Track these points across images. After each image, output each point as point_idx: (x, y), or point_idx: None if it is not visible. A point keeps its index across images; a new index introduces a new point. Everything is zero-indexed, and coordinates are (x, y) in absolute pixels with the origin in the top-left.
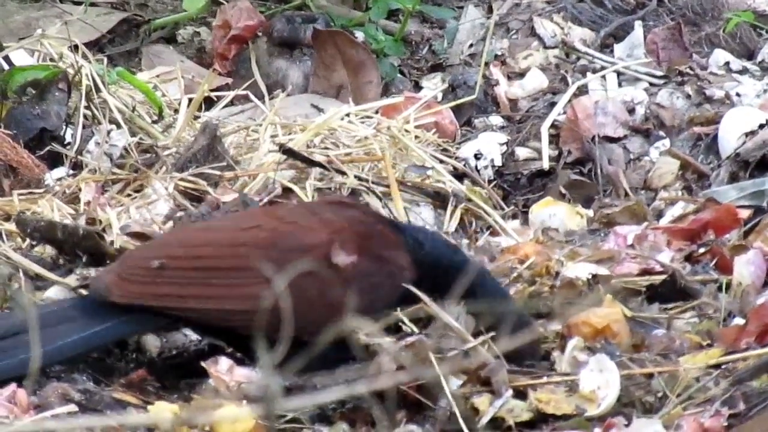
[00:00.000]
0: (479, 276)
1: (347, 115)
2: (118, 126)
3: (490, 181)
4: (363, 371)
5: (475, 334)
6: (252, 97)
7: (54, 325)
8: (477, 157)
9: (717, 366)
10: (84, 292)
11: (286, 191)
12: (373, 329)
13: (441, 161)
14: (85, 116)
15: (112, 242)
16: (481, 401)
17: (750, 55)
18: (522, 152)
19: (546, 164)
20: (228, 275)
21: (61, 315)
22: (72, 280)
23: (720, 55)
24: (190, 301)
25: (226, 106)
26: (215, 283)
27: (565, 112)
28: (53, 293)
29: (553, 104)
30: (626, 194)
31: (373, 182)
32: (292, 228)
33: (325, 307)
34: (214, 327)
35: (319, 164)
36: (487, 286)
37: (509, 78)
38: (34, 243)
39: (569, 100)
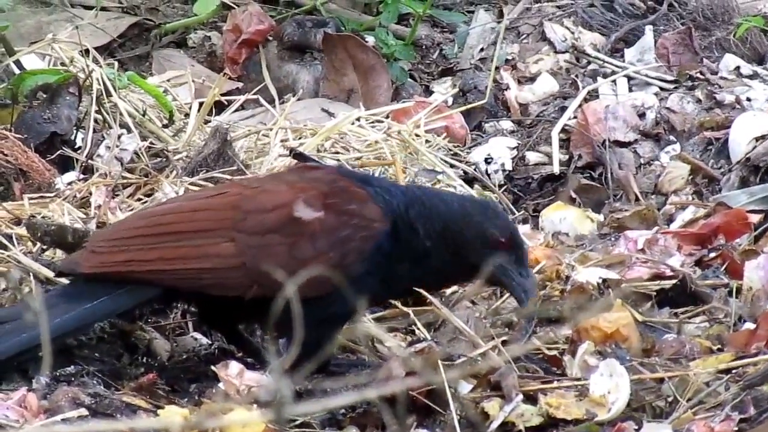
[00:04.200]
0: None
1: (358, 119)
2: (129, 130)
3: (500, 186)
4: (373, 376)
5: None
6: (262, 101)
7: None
8: (487, 161)
9: (727, 371)
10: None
11: None
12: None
13: (451, 165)
14: (95, 120)
15: None
16: (492, 406)
17: (760, 60)
18: (532, 156)
19: (556, 168)
20: (192, 237)
21: (46, 302)
22: None
23: (730, 60)
24: (155, 263)
25: (236, 110)
26: (181, 246)
27: (575, 117)
28: None
29: (563, 109)
30: (637, 199)
31: None
32: (256, 191)
33: (295, 263)
34: (187, 290)
35: None
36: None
37: (520, 82)
38: (44, 247)
39: (580, 105)
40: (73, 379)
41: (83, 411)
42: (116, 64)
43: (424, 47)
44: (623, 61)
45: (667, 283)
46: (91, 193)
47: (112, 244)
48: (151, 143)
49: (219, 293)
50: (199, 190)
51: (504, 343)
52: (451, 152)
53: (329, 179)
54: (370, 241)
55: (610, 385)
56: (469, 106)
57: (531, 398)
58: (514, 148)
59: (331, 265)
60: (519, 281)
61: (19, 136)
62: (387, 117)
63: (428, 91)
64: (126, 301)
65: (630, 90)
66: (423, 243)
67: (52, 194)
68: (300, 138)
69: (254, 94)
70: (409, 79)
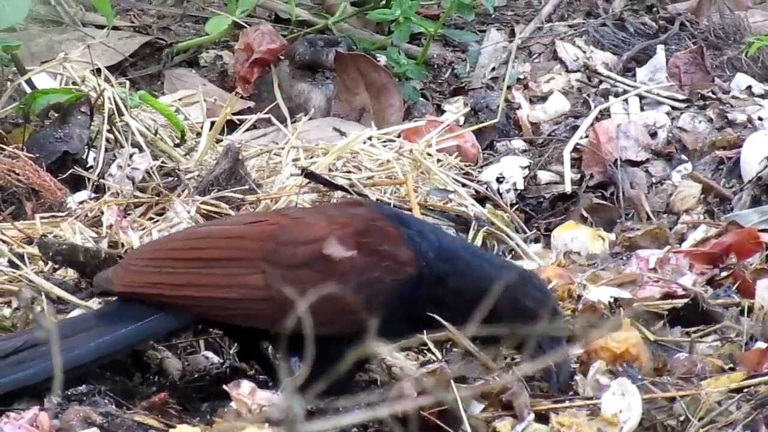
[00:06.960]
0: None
1: (369, 138)
2: (141, 149)
3: (512, 205)
4: (385, 395)
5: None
6: (274, 120)
7: (71, 335)
8: (499, 180)
9: (739, 390)
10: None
11: None
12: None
13: (463, 185)
14: (107, 139)
15: None
16: (503, 425)
17: None
18: (544, 176)
19: (568, 188)
20: (225, 265)
21: (79, 325)
22: (94, 303)
23: (742, 79)
24: (183, 289)
25: (248, 129)
26: (211, 273)
27: (587, 136)
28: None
29: (575, 128)
30: (648, 218)
31: (395, 205)
32: (294, 222)
33: (322, 300)
34: (214, 319)
35: (342, 188)
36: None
37: (531, 101)
38: (56, 266)
39: (591, 124)
40: (84, 398)
41: (95, 430)
42: (128, 83)
43: (435, 66)
44: (635, 81)
45: (679, 302)
46: (102, 213)
47: (145, 263)
48: (162, 162)
49: (246, 324)
50: (241, 214)
51: (516, 363)
52: (463, 171)
53: (368, 217)
54: (397, 284)
55: (622, 405)
56: (481, 125)
57: (543, 417)
58: (525, 167)
59: (358, 305)
60: (550, 356)
61: (31, 155)
62: (399, 136)
63: (440, 110)
64: (158, 329)
65: (641, 109)
66: (446, 295)
67: (63, 213)
68: (312, 157)
69: (266, 113)
70: (421, 99)
